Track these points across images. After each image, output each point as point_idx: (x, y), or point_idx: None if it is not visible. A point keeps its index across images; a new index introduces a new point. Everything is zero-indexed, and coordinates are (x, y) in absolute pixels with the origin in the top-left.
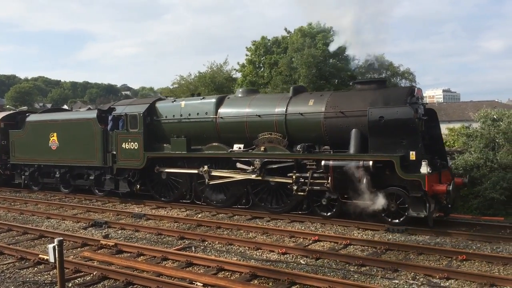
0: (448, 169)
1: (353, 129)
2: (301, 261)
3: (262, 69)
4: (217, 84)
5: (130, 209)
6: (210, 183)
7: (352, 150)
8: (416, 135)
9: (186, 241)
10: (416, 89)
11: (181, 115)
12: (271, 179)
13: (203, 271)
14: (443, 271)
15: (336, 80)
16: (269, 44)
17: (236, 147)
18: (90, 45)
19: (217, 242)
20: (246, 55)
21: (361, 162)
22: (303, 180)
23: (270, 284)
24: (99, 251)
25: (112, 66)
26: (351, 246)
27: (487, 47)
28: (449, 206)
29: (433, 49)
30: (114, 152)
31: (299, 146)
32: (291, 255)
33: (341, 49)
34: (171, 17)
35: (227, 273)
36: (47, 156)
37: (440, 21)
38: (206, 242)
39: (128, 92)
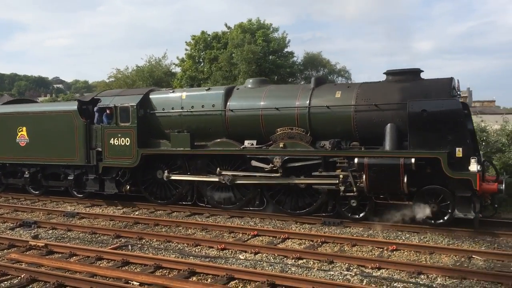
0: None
1: (388, 124)
2: (240, 256)
3: (202, 64)
4: (155, 79)
5: (62, 208)
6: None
7: (388, 146)
8: (464, 130)
9: (123, 240)
10: (456, 80)
11: (182, 108)
12: (306, 182)
13: (140, 270)
14: (375, 261)
15: (276, 77)
16: (209, 39)
17: (247, 143)
18: (18, 35)
19: (155, 240)
20: (186, 49)
21: (401, 160)
22: (351, 180)
23: (209, 280)
24: (27, 253)
25: (43, 58)
26: (289, 240)
27: (417, 48)
28: (495, 206)
29: (368, 48)
30: (100, 149)
31: (327, 142)
32: (230, 250)
33: (281, 46)
34: (106, 9)
35: (165, 271)
36: (14, 153)
37: (374, 22)
38: (144, 240)
39: (60, 85)
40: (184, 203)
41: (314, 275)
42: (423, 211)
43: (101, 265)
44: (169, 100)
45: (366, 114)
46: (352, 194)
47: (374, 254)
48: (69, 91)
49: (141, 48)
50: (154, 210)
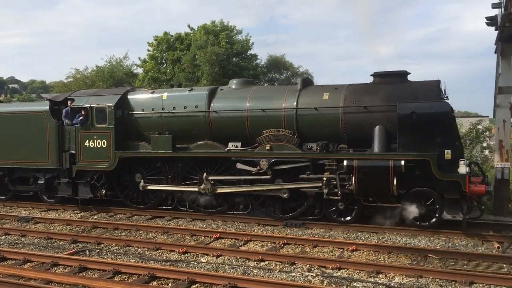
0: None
1: (377, 126)
2: (202, 259)
3: (164, 65)
4: (116, 79)
5: (16, 212)
6: (217, 191)
7: (376, 148)
8: (453, 132)
9: (80, 245)
10: (443, 83)
11: (162, 109)
12: (293, 186)
13: (98, 276)
14: (336, 262)
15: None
16: (172, 40)
17: (231, 145)
18: None
19: (114, 244)
20: (148, 50)
21: (391, 162)
22: (335, 182)
23: (170, 284)
24: None
25: None
26: (252, 242)
27: (378, 52)
28: (482, 207)
29: (330, 51)
30: (73, 152)
31: (314, 144)
32: (192, 254)
33: (244, 48)
34: (66, 7)
35: (124, 276)
36: None
37: (336, 26)
38: (102, 245)
39: (16, 85)
40: (164, 207)
41: (276, 276)
42: (411, 213)
43: (57, 271)
44: (149, 100)
45: (355, 116)
46: (336, 197)
47: (335, 254)
48: (25, 92)
49: (101, 48)
50: (114, 213)
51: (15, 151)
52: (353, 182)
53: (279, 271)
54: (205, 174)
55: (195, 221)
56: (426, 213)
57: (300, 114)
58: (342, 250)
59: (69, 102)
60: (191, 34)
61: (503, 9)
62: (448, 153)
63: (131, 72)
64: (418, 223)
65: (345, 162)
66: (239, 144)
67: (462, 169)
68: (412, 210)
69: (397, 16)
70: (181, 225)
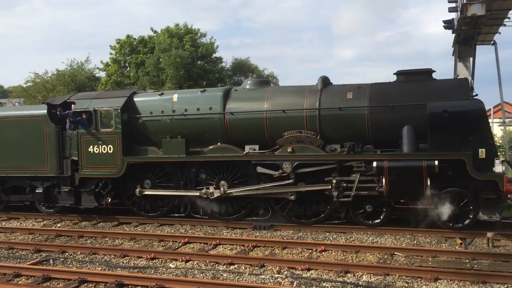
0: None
1: (406, 126)
2: (171, 265)
3: (128, 68)
4: (78, 83)
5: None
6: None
7: (406, 149)
8: (486, 130)
9: (43, 254)
10: (471, 81)
11: (173, 111)
12: (305, 188)
13: (63, 285)
14: (305, 263)
15: (205, 82)
16: (135, 43)
17: (248, 148)
18: None
19: (79, 253)
20: (111, 53)
21: (424, 162)
22: (345, 184)
23: None
24: None
25: None
26: (221, 246)
27: (340, 55)
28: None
29: (294, 54)
30: (75, 158)
31: (338, 146)
32: (160, 259)
33: (209, 51)
34: (24, 10)
35: (91, 285)
36: None
37: (300, 29)
38: (67, 254)
39: None
40: (176, 215)
41: (246, 279)
42: (444, 214)
43: (19, 282)
44: (158, 103)
45: (382, 116)
46: (347, 199)
47: (304, 255)
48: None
49: (62, 52)
50: (78, 221)
51: (9, 158)
52: (383, 183)
53: (248, 274)
54: (211, 188)
55: (163, 227)
56: (459, 215)
57: (323, 114)
58: (311, 251)
59: (73, 105)
60: (155, 37)
61: (459, 13)
62: (482, 152)
63: (94, 76)
64: (451, 224)
65: (374, 164)
66: (256, 147)
67: (498, 168)
68: (445, 212)
69: (359, 19)
70: (148, 231)
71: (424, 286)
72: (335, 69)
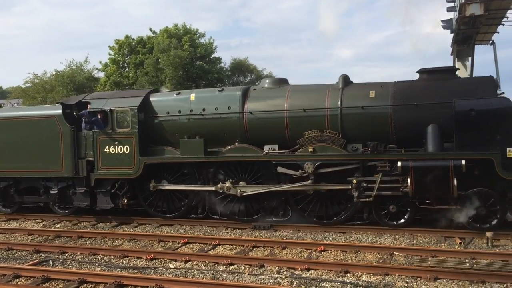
0: None
1: (430, 124)
2: (170, 265)
3: (127, 69)
4: (77, 84)
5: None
6: (244, 194)
7: (431, 148)
8: None
9: (43, 255)
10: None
11: (191, 111)
12: (325, 187)
13: (63, 286)
14: (304, 263)
15: (203, 82)
16: (133, 43)
17: (267, 148)
18: None
19: (78, 253)
20: (109, 54)
21: (451, 162)
22: (365, 184)
23: None
24: None
25: None
26: (220, 246)
27: (339, 55)
28: None
29: (293, 54)
30: (91, 159)
31: (360, 145)
32: (159, 260)
33: (208, 52)
34: (22, 10)
35: (90, 286)
36: None
37: (299, 29)
38: (66, 254)
39: None
40: (194, 216)
41: (246, 280)
42: (471, 215)
43: (19, 283)
44: (175, 102)
45: (405, 114)
46: (368, 199)
47: (303, 255)
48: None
49: (61, 52)
50: (78, 221)
51: (22, 159)
52: (409, 183)
53: (248, 274)
54: (228, 184)
55: (162, 227)
56: (486, 215)
57: (345, 113)
58: (310, 251)
59: (88, 105)
60: (153, 38)
61: (457, 13)
62: (510, 152)
63: (92, 77)
64: (478, 225)
65: (399, 163)
66: (276, 146)
67: None
68: (472, 212)
69: (357, 19)
70: (147, 231)
71: (423, 286)
72: (334, 69)
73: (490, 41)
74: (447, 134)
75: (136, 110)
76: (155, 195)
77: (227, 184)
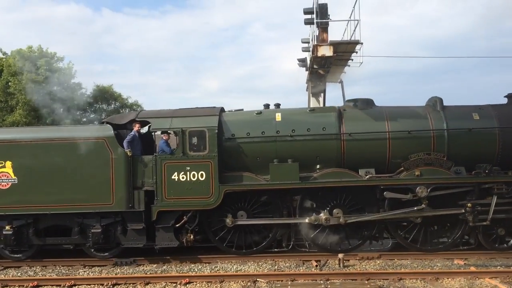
0: None
1: None
2: None
3: None
4: None
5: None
6: (348, 221)
7: None
8: None
9: None
10: None
11: (277, 132)
12: (438, 213)
13: None
14: None
15: (62, 109)
16: None
17: (363, 172)
18: None
19: None
20: None
21: None
22: (479, 208)
23: None
24: None
25: None
26: (76, 287)
27: (206, 86)
28: None
29: (160, 83)
30: (150, 188)
31: (463, 168)
32: None
33: (67, 77)
34: None
35: None
36: None
37: (166, 59)
38: None
39: None
40: (276, 250)
41: None
42: None
43: None
44: (256, 122)
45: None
46: (485, 223)
47: None
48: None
49: None
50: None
51: (50, 190)
52: None
53: None
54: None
55: (7, 270)
56: None
57: (452, 135)
58: (175, 284)
59: (137, 125)
60: (4, 59)
61: (311, 53)
62: None
63: None
64: None
65: None
66: (372, 170)
67: None
68: None
69: (223, 53)
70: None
71: None
72: (202, 99)
73: (339, 80)
74: None
75: (216, 131)
76: (229, 229)
77: (323, 215)
